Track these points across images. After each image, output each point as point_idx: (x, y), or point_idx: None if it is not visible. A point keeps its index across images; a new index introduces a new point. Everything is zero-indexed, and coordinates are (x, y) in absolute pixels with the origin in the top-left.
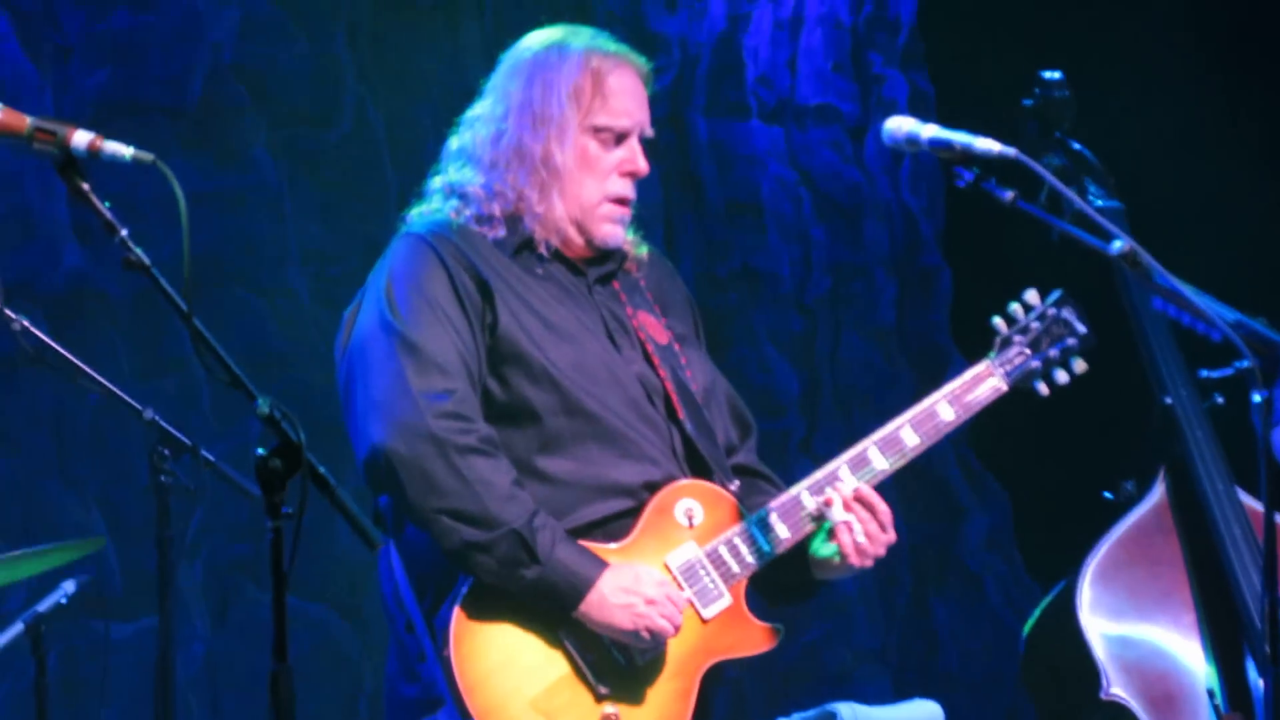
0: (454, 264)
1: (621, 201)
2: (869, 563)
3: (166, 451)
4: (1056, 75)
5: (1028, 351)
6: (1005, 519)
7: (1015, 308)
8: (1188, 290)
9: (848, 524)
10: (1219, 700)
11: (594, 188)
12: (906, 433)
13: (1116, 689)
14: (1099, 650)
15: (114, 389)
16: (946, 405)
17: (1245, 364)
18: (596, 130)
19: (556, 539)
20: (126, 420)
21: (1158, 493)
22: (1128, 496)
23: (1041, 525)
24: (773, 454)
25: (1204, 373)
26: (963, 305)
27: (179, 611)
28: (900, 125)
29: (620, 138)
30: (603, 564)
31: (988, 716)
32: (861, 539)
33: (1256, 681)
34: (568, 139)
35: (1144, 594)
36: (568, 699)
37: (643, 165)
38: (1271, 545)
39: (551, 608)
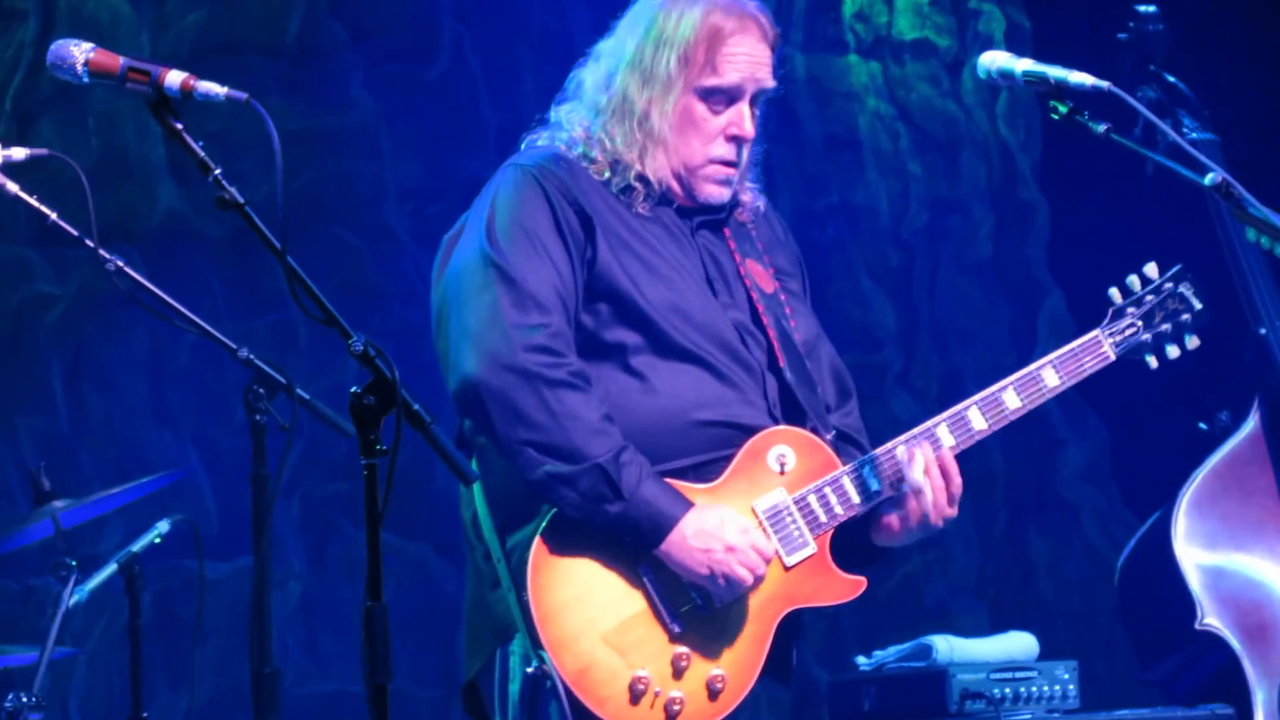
0: (557, 197)
1: (726, 164)
2: (923, 532)
3: (262, 390)
4: (1151, 9)
5: (1139, 324)
6: (1102, 450)
7: (1132, 279)
8: None
9: (921, 488)
10: None
11: (698, 148)
12: (1009, 395)
13: (1211, 619)
14: (1193, 581)
15: (209, 329)
16: (1052, 371)
17: None
18: (704, 92)
19: (643, 476)
20: (222, 359)
21: (1252, 423)
22: (1222, 427)
23: (1137, 456)
24: (870, 387)
25: None
26: (1059, 239)
27: (275, 551)
28: (996, 59)
29: (730, 100)
30: (688, 504)
31: (1083, 648)
32: (929, 508)
33: None
34: (670, 101)
35: (1239, 524)
36: (640, 635)
37: (748, 129)
38: None
39: (633, 545)
